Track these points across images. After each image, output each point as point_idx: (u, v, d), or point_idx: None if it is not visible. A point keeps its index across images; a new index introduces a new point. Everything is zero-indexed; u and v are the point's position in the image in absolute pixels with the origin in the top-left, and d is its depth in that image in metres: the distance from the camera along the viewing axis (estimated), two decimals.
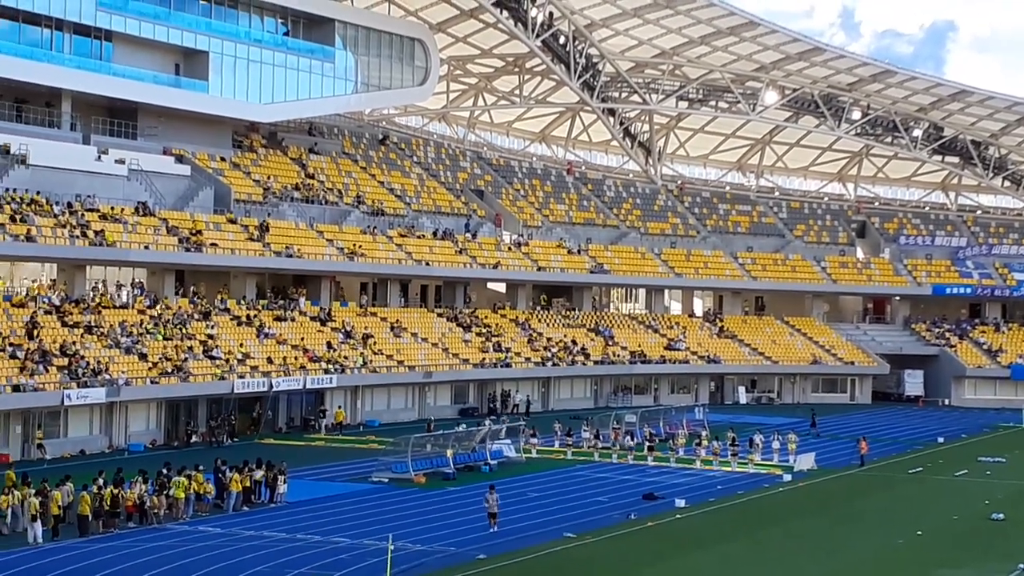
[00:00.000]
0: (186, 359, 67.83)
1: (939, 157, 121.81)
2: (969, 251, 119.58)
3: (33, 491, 42.09)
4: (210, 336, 72.03)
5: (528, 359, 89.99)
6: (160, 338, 68.96)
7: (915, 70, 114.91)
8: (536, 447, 66.88)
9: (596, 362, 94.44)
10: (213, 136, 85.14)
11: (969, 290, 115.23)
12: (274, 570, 36.62)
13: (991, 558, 41.20)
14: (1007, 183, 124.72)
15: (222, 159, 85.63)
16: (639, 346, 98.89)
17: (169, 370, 66.13)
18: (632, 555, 41.04)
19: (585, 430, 68.61)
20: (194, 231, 75.92)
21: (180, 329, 71.11)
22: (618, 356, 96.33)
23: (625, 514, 48.12)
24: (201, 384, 67.05)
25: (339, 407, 76.99)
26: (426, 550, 39.69)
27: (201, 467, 47.90)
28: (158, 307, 72.96)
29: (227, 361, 69.91)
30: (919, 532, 46.14)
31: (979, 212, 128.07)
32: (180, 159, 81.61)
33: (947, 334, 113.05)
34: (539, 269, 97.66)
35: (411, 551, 39.10)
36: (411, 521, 45.05)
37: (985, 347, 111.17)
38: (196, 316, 73.88)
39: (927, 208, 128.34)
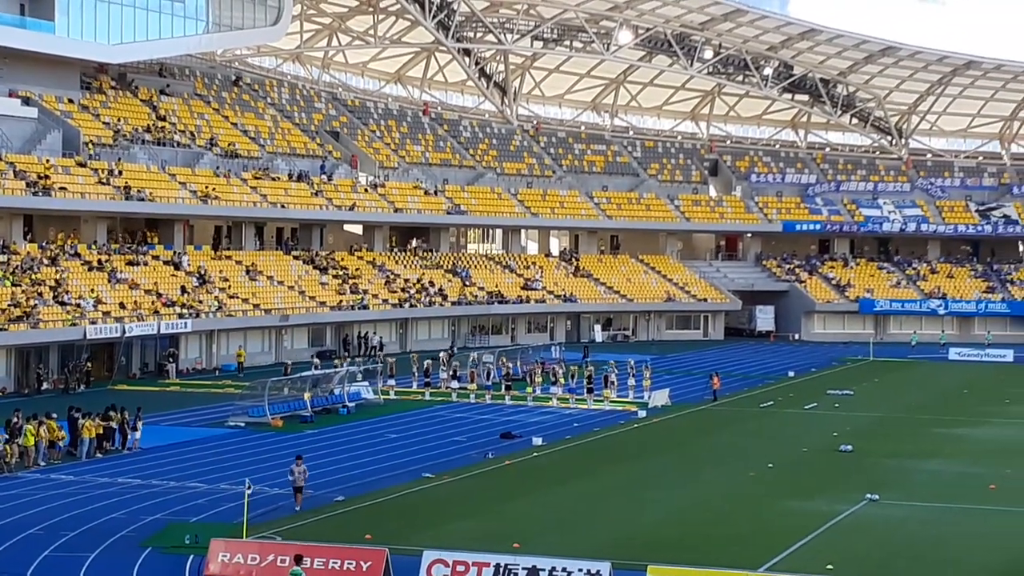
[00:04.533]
0: (36, 305, 66.63)
1: (789, 95, 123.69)
2: (818, 188, 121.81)
3: None
4: (60, 282, 70.83)
5: (385, 301, 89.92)
6: (8, 284, 67.62)
7: (765, 9, 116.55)
8: (394, 388, 67.03)
9: (453, 303, 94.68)
10: (60, 77, 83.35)
11: (818, 226, 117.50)
12: (129, 516, 36.35)
13: (840, 489, 42.29)
14: (855, 121, 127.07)
15: (70, 101, 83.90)
16: (496, 286, 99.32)
17: (18, 316, 64.91)
18: (490, 493, 41.45)
19: (443, 370, 68.89)
20: (42, 175, 74.42)
21: (29, 275, 69.80)
22: (475, 297, 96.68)
23: (483, 453, 48.54)
24: (52, 331, 65.92)
25: (240, 347, 77.47)
26: (284, 494, 39.57)
27: (54, 414, 47.23)
28: (6, 253, 71.50)
29: (78, 306, 68.82)
30: (770, 464, 47.24)
31: (828, 149, 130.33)
32: (27, 101, 79.78)
33: (797, 270, 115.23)
34: (396, 211, 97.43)
35: (268, 495, 39.06)
36: (268, 465, 44.93)
37: (834, 282, 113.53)
38: (45, 261, 72.56)
39: (778, 146, 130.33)
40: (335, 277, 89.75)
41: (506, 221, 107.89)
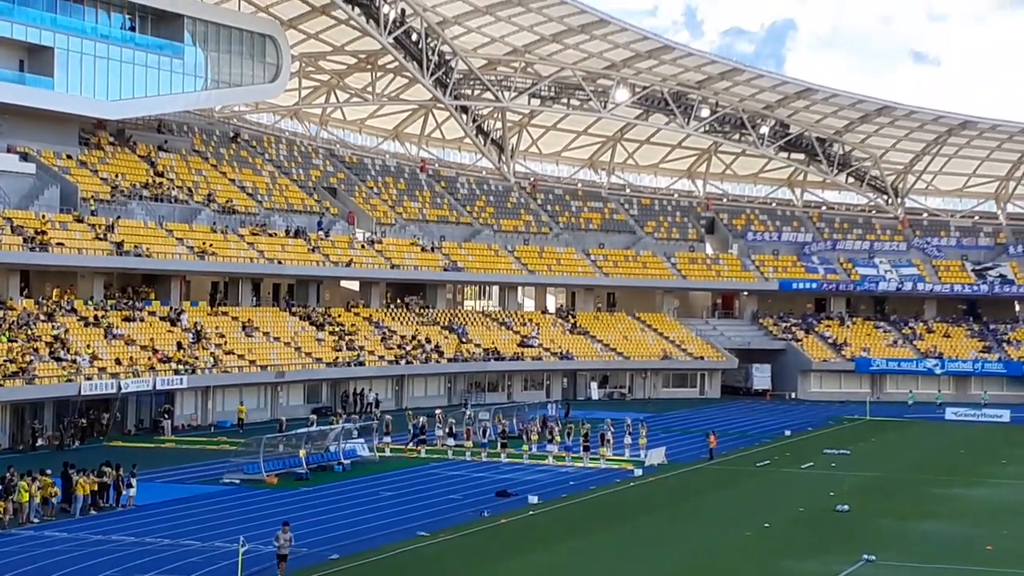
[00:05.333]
0: (31, 361, 66.52)
1: (785, 154, 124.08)
2: (814, 246, 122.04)
3: None
4: (56, 337, 70.75)
5: (382, 357, 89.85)
6: (4, 340, 67.53)
7: (761, 68, 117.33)
8: (390, 446, 66.87)
9: (450, 360, 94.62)
10: (59, 133, 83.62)
11: (815, 285, 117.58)
12: (123, 574, 36.15)
13: (837, 550, 42.12)
14: (851, 179, 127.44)
15: (68, 157, 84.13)
16: (493, 343, 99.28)
17: (14, 372, 64.79)
18: (485, 552, 41.27)
19: (439, 427, 68.76)
20: (39, 230, 74.49)
21: (25, 331, 69.74)
22: (472, 353, 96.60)
23: (478, 511, 48.36)
24: (47, 387, 65.73)
25: (240, 403, 77.59)
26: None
27: (48, 471, 47.04)
28: (2, 308, 71.43)
29: (74, 362, 68.73)
30: (767, 524, 47.05)
31: (824, 208, 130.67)
32: (25, 157, 79.97)
33: (793, 328, 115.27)
34: (393, 267, 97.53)
35: (263, 552, 38.84)
36: (263, 522, 44.69)
37: (830, 341, 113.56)
38: (42, 317, 72.52)
39: (774, 204, 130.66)
40: (331, 333, 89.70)
41: (503, 278, 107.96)
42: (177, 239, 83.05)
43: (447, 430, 67.84)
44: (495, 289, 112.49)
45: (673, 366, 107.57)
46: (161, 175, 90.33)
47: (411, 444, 68.10)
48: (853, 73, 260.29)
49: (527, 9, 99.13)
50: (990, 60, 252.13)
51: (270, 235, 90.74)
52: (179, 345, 77.01)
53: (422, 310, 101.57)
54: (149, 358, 73.58)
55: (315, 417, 75.19)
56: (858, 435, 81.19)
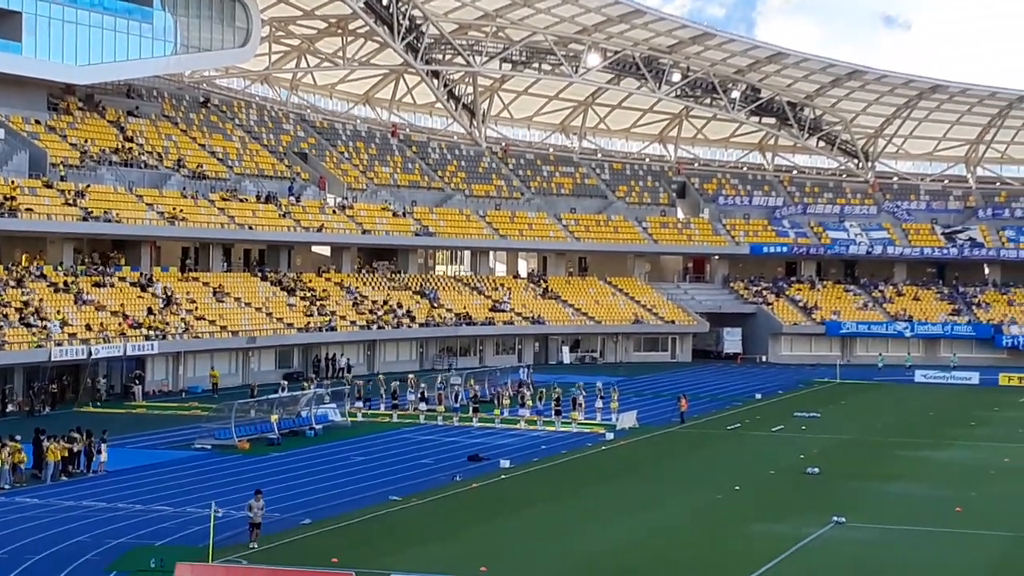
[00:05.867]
0: (1, 327, 66.27)
1: (756, 118, 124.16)
2: (785, 210, 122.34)
3: None
4: (26, 303, 70.47)
5: (353, 322, 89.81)
6: None
7: (732, 32, 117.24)
8: (362, 411, 66.91)
9: (422, 324, 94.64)
10: (27, 98, 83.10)
11: (785, 249, 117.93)
12: (94, 540, 36.13)
13: (807, 511, 42.37)
14: (822, 143, 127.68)
15: (37, 122, 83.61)
16: (464, 308, 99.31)
17: None
18: (457, 517, 41.38)
19: (410, 391, 68.82)
20: (8, 196, 74.05)
21: None
22: (443, 318, 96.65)
23: (451, 476, 48.48)
24: (17, 352, 65.59)
25: (212, 368, 77.53)
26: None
27: (18, 436, 46.93)
28: None
29: (44, 328, 68.48)
30: (737, 487, 47.31)
31: (795, 172, 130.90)
32: None
33: (764, 292, 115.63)
34: (364, 232, 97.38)
35: (235, 518, 38.88)
36: (235, 487, 44.76)
37: (801, 304, 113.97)
38: (11, 283, 72.20)
39: (745, 169, 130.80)
40: (303, 299, 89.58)
41: (474, 243, 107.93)
42: (147, 204, 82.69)
43: (419, 395, 67.90)
44: (467, 254, 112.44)
45: (644, 330, 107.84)
46: (131, 140, 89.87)
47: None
48: (824, 37, 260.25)
49: None
50: (960, 24, 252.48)
51: (241, 200, 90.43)
52: (150, 311, 76.79)
53: (393, 275, 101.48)
54: (120, 324, 73.38)
55: (286, 383, 75.13)
56: (828, 398, 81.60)
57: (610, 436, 60.55)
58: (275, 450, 54.91)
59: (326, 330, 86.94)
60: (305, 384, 73.92)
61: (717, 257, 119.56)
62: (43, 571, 32.51)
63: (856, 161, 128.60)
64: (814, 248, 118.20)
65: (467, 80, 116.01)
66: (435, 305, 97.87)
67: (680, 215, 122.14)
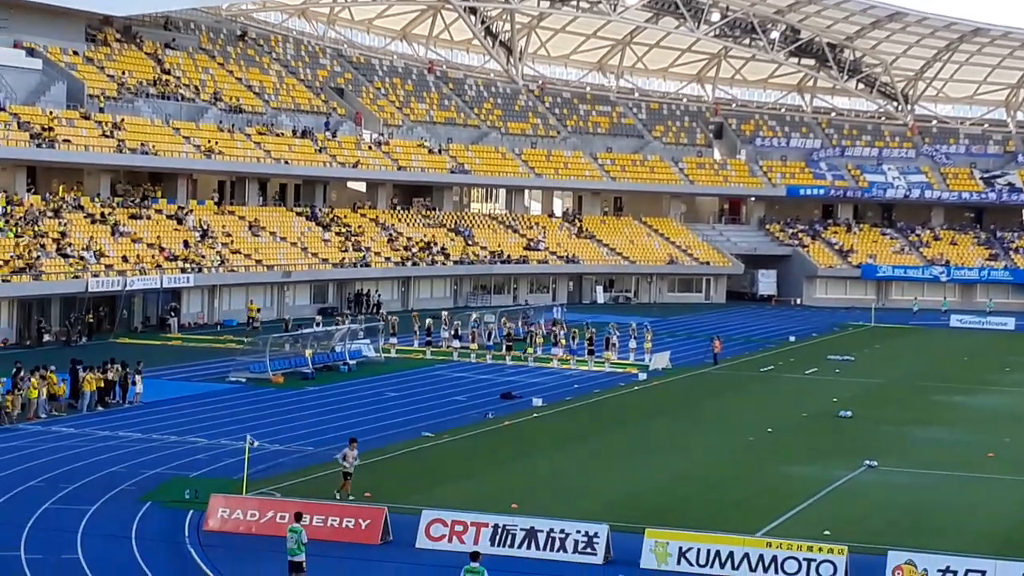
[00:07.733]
0: (38, 257, 66.66)
1: (795, 59, 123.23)
2: (823, 153, 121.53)
3: None
4: (63, 234, 70.81)
5: (388, 259, 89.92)
6: (11, 236, 67.60)
7: None
8: (395, 347, 67.09)
9: (456, 262, 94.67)
10: (65, 29, 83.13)
11: (822, 191, 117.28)
12: (130, 470, 36.45)
13: (839, 455, 42.32)
14: (861, 86, 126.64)
15: (75, 53, 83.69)
16: (499, 246, 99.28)
17: (21, 268, 64.93)
18: (489, 454, 41.54)
19: (444, 329, 68.96)
20: (46, 127, 74.28)
21: (32, 227, 69.77)
22: (478, 256, 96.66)
23: (483, 413, 48.62)
24: (54, 283, 65.98)
25: (252, 301, 77.89)
26: (284, 450, 39.81)
27: (54, 367, 47.30)
28: (9, 204, 71.43)
29: (81, 259, 68.82)
30: (769, 429, 47.27)
31: (833, 114, 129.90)
32: (31, 52, 79.59)
33: (800, 235, 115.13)
34: (399, 168, 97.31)
35: (269, 451, 39.16)
36: (269, 421, 45.07)
37: (836, 247, 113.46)
38: (48, 214, 72.52)
39: (783, 110, 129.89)
40: (338, 234, 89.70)
41: (510, 181, 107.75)
42: (184, 137, 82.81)
43: (453, 332, 68.02)
44: (502, 192, 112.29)
45: (679, 271, 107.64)
46: (168, 73, 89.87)
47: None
48: None
49: None
50: None
51: (277, 135, 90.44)
52: (186, 243, 77.10)
53: (428, 212, 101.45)
54: (155, 256, 73.69)
55: (320, 318, 75.37)
56: (862, 342, 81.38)
57: (643, 376, 60.57)
58: (309, 384, 55.16)
59: (360, 266, 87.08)
60: (339, 319, 74.15)
61: (753, 199, 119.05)
62: (79, 500, 32.82)
63: (895, 104, 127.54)
64: (851, 191, 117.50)
65: (504, 17, 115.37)
66: (469, 243, 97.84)
67: (717, 156, 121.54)
